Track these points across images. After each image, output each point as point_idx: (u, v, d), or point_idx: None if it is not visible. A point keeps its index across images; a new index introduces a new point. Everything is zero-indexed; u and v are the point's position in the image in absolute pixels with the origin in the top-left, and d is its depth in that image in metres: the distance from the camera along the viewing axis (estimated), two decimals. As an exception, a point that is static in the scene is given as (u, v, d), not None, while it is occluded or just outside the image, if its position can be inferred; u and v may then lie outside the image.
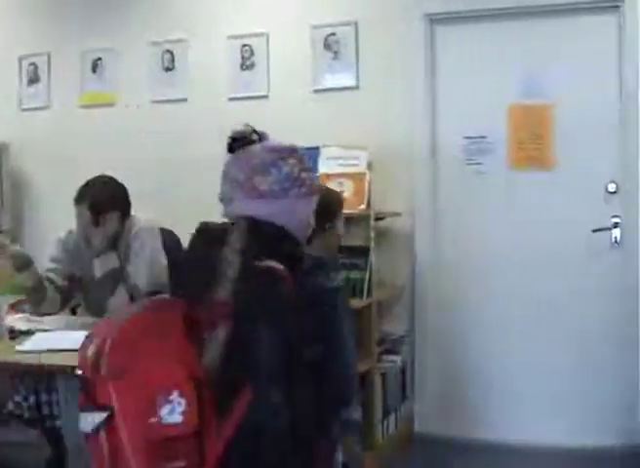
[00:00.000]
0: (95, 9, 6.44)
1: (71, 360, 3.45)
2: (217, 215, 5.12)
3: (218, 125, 5.93)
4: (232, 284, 2.28)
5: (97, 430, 2.15)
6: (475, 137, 5.59)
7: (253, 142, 2.63)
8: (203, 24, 6.16)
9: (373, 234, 5.13)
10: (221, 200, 2.60)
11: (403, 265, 5.61)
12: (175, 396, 2.14)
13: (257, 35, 6.00)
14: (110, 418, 2.14)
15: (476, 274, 5.63)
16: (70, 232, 4.51)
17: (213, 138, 5.94)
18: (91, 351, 2.19)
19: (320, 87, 5.87)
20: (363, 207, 5.09)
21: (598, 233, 5.38)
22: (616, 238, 5.39)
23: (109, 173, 4.47)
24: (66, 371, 3.41)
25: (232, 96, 6.07)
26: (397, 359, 5.49)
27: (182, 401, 2.14)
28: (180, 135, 6.19)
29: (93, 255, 4.37)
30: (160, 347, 2.21)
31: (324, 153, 5.35)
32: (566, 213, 5.44)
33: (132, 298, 4.27)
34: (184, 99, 6.22)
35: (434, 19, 5.68)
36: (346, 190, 5.11)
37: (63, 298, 4.45)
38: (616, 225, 5.39)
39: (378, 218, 5.27)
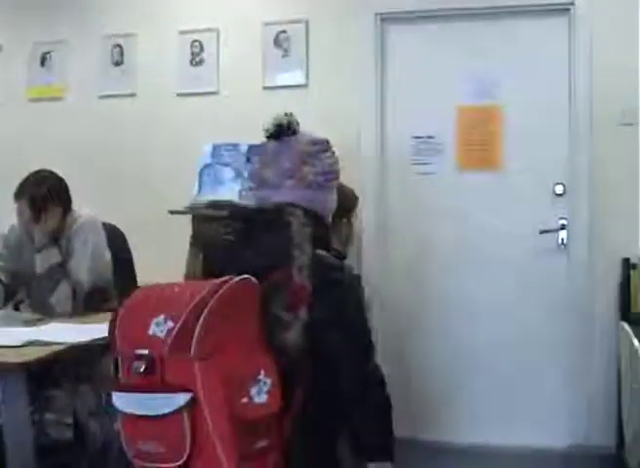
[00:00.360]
0: (46, 1, 6.35)
1: (12, 356, 3.42)
2: (164, 209, 5.14)
3: (166, 120, 5.98)
4: (307, 270, 2.38)
5: (177, 411, 2.16)
6: (423, 138, 5.58)
7: (295, 132, 2.73)
8: (153, 19, 6.09)
9: (319, 233, 5.09)
10: (258, 184, 2.67)
11: (351, 265, 5.56)
12: (262, 376, 2.23)
13: (207, 31, 5.95)
14: (193, 398, 2.16)
15: (423, 274, 5.62)
16: (13, 227, 4.46)
17: (161, 134, 5.98)
18: (162, 330, 2.20)
19: (270, 84, 5.83)
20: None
21: (545, 235, 5.39)
22: (562, 240, 5.40)
23: (55, 167, 4.42)
24: (7, 368, 3.37)
25: (181, 91, 6.01)
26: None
27: (268, 380, 2.23)
28: (128, 129, 6.14)
29: (34, 251, 4.32)
30: (242, 328, 2.27)
31: (271, 151, 5.31)
32: (513, 214, 5.45)
33: (74, 294, 4.23)
34: (133, 94, 6.16)
35: (385, 19, 5.66)
36: (292, 189, 5.08)
37: (7, 294, 4.41)
38: (562, 227, 5.41)
39: (323, 217, 5.23)
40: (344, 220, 3.84)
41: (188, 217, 5.30)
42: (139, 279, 4.84)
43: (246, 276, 2.31)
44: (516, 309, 5.43)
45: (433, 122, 5.56)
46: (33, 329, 3.88)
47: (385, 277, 5.62)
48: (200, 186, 5.31)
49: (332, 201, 2.75)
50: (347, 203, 3.80)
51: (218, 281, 2.27)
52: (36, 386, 3.63)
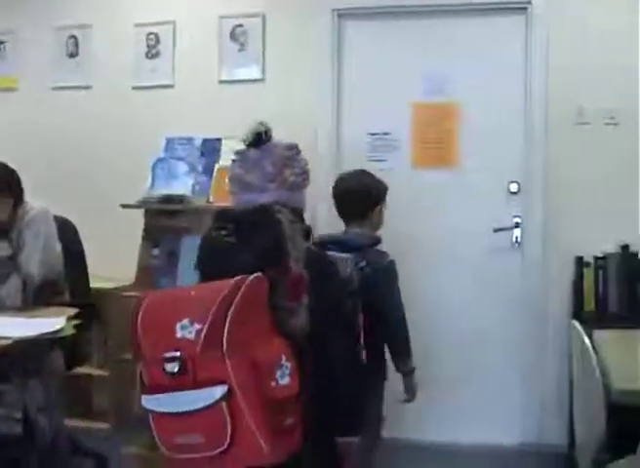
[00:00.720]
0: (-2, -9, 6.28)
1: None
2: (117, 202, 5.09)
3: (121, 113, 5.92)
4: (303, 262, 2.65)
5: (216, 402, 2.38)
6: (379, 134, 5.57)
7: (270, 138, 2.98)
8: (109, 10, 6.04)
9: (272, 229, 5.06)
10: (241, 188, 2.92)
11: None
12: (283, 360, 2.47)
13: (163, 23, 5.91)
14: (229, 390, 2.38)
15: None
16: (-37, 219, 4.40)
17: (116, 126, 5.93)
18: (191, 332, 2.41)
19: (225, 78, 5.80)
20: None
21: (499, 233, 5.41)
22: (516, 238, 5.42)
23: (8, 158, 4.36)
24: None
25: (137, 84, 5.97)
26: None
27: (288, 364, 2.48)
28: (82, 122, 6.08)
29: (-17, 243, 4.26)
30: (259, 320, 2.51)
31: (225, 145, 5.26)
32: (468, 212, 5.46)
33: (25, 287, 4.17)
34: (88, 87, 6.10)
35: (342, 14, 5.65)
36: (247, 183, 5.05)
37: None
38: (517, 225, 5.42)
39: (278, 213, 5.21)
40: (378, 208, 4.00)
41: (142, 211, 5.25)
42: (90, 272, 4.79)
43: (258, 274, 2.51)
44: (471, 307, 5.44)
45: (389, 119, 5.56)
46: (-19, 322, 3.82)
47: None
48: (153, 180, 5.26)
49: (305, 198, 3.01)
50: (378, 192, 4.01)
51: (232, 281, 2.46)
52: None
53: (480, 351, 5.44)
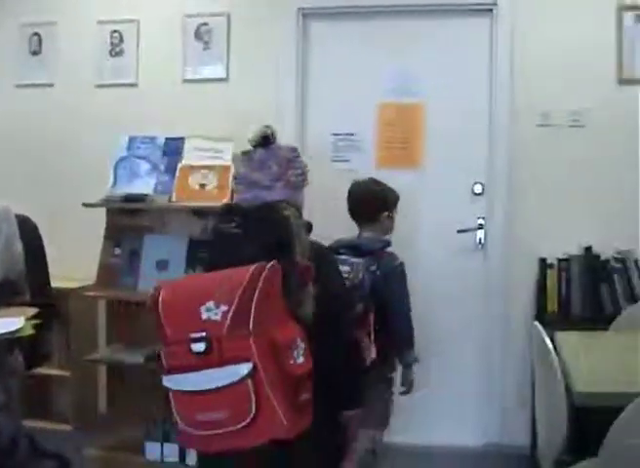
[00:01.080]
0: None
1: None
2: (80, 201, 5.03)
3: (84, 111, 5.88)
4: (308, 254, 2.90)
5: (242, 379, 2.56)
6: (343, 134, 5.56)
7: (275, 140, 3.19)
8: (73, 8, 5.99)
9: (236, 228, 5.04)
10: (247, 186, 3.11)
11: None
12: (298, 341, 2.68)
13: (127, 21, 5.86)
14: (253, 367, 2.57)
15: (342, 272, 5.59)
16: None
17: (79, 125, 5.88)
18: (217, 314, 2.61)
19: (189, 77, 5.77)
20: (226, 200, 4.98)
21: (463, 234, 5.41)
22: (480, 239, 5.43)
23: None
24: None
25: (100, 82, 5.92)
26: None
27: (302, 344, 2.69)
28: (45, 119, 6.02)
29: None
30: (276, 304, 2.70)
31: (189, 144, 5.23)
32: (432, 213, 5.47)
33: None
34: (51, 84, 6.04)
35: (307, 14, 5.64)
36: (209, 183, 5.01)
37: None
38: (480, 227, 5.43)
39: (241, 213, 5.19)
40: (386, 214, 4.26)
41: (104, 210, 5.21)
42: (52, 271, 4.74)
43: (274, 263, 2.70)
44: (434, 308, 5.41)
45: (354, 119, 5.56)
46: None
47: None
48: (115, 179, 5.22)
49: (304, 197, 3.22)
50: (387, 199, 4.29)
51: (251, 268, 2.66)
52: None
53: (442, 352, 5.43)
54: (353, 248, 4.02)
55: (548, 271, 5.20)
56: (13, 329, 3.68)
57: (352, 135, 5.54)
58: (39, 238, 4.68)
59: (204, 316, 2.61)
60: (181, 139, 5.24)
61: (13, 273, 4.22)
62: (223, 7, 5.70)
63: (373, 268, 3.94)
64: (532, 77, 5.34)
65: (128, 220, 5.28)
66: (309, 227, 3.07)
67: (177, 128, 5.38)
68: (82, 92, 5.95)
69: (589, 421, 3.16)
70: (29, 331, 3.77)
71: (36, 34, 6.07)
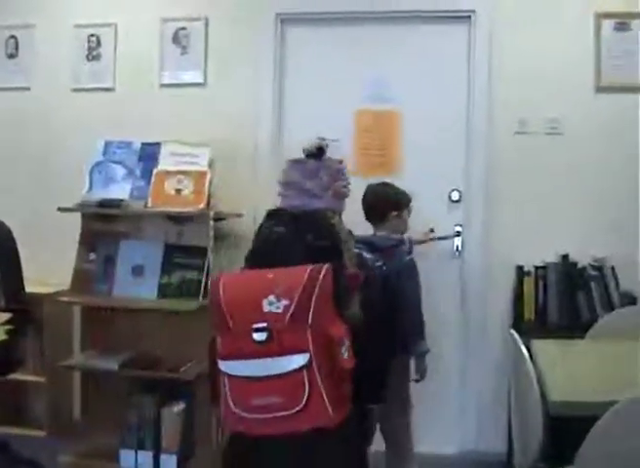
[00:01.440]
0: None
1: None
2: (55, 206, 5.00)
3: (60, 115, 5.84)
4: (354, 261, 3.31)
5: (298, 369, 2.86)
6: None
7: (326, 152, 3.49)
8: (50, 11, 5.95)
9: (212, 234, 5.00)
10: (297, 192, 3.40)
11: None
12: (344, 339, 2.93)
13: (104, 25, 5.83)
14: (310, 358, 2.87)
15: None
16: None
17: (55, 129, 5.85)
18: (279, 307, 2.88)
19: (167, 81, 5.75)
20: (202, 206, 4.95)
21: (440, 241, 5.40)
22: (457, 247, 5.42)
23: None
24: None
25: (77, 86, 5.88)
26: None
27: (347, 342, 2.94)
28: (21, 123, 5.99)
29: None
30: (329, 303, 2.94)
31: (165, 149, 5.20)
32: (409, 220, 5.42)
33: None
34: (28, 88, 6.00)
35: (285, 20, 5.63)
36: (186, 188, 4.99)
37: None
38: (458, 234, 5.42)
39: (218, 219, 5.15)
40: (394, 213, 4.54)
41: (79, 215, 5.18)
42: (26, 276, 4.71)
43: (328, 265, 2.97)
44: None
45: (331, 125, 5.47)
46: None
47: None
48: (91, 184, 5.19)
49: (345, 205, 3.54)
50: (395, 200, 4.59)
51: (309, 268, 2.95)
52: None
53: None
54: (368, 244, 4.26)
55: (525, 279, 5.19)
56: (-15, 334, 3.66)
57: (333, 140, 5.51)
58: (13, 242, 4.66)
59: (266, 308, 2.89)
60: (158, 145, 5.21)
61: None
62: (201, 11, 5.68)
63: (378, 264, 4.16)
64: (509, 84, 5.35)
65: (103, 226, 5.24)
66: (352, 235, 3.44)
67: (153, 133, 5.35)
68: (59, 96, 5.91)
69: (565, 430, 3.14)
70: (2, 337, 3.75)
71: (13, 37, 6.03)
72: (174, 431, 4.94)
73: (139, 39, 5.79)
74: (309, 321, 2.86)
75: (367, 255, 4.12)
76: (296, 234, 3.18)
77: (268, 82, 5.59)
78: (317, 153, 3.47)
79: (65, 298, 5.12)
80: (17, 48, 6.04)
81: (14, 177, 5.95)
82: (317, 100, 5.60)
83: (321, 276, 2.93)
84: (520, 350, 3.46)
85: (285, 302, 2.87)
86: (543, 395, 3.13)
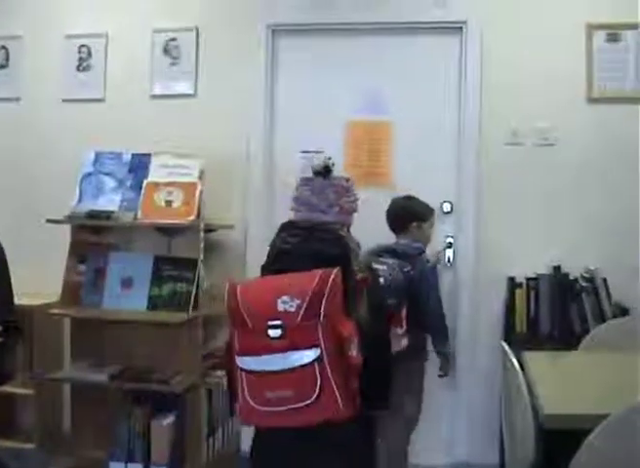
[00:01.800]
0: None
1: None
2: (43, 217, 4.98)
3: (50, 126, 5.83)
4: (363, 267, 3.47)
5: (310, 363, 3.05)
6: (312, 152, 5.51)
7: (332, 171, 3.68)
8: (40, 22, 5.93)
9: (202, 246, 4.99)
10: (307, 208, 3.61)
11: (236, 279, 5.45)
12: (353, 336, 3.13)
13: (95, 36, 5.82)
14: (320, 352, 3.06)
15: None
16: None
17: (45, 139, 5.83)
18: (292, 306, 3.08)
19: (157, 92, 5.74)
20: (193, 218, 4.94)
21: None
22: (449, 258, 5.41)
23: None
24: None
25: (67, 97, 5.86)
26: (224, 374, 5.33)
27: (356, 340, 3.14)
28: (11, 134, 5.98)
29: None
30: (339, 302, 3.15)
31: (155, 161, 5.19)
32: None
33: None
34: (18, 98, 5.99)
35: (276, 30, 5.62)
36: (176, 200, 4.98)
37: None
38: (449, 245, 5.41)
39: (208, 230, 5.14)
40: (415, 224, 4.77)
41: (69, 226, 5.16)
42: (16, 288, 4.67)
43: (337, 270, 3.17)
44: (402, 327, 5.40)
45: (322, 136, 5.51)
46: None
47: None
48: (80, 195, 5.17)
49: (353, 219, 3.72)
50: (416, 212, 4.82)
51: (320, 271, 3.14)
52: None
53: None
54: (391, 251, 4.57)
55: (517, 290, 5.18)
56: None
57: (321, 152, 5.49)
58: (2, 254, 4.62)
59: (280, 307, 3.09)
60: (148, 156, 5.21)
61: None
62: (192, 22, 5.67)
63: (407, 269, 4.46)
64: (501, 95, 5.34)
65: (93, 237, 5.23)
66: (359, 246, 3.59)
67: (143, 144, 5.34)
68: (49, 106, 5.90)
69: (557, 442, 3.12)
70: (-10, 350, 3.72)
71: (3, 48, 6.02)
72: (164, 443, 4.93)
73: (129, 50, 5.78)
74: (320, 318, 3.06)
75: (390, 261, 4.44)
76: (307, 244, 3.43)
77: (260, 93, 5.57)
78: (324, 172, 3.66)
79: (55, 310, 5.11)
80: (7, 58, 6.02)
81: (2, 188, 5.93)
82: (309, 111, 5.59)
83: (331, 279, 3.13)
84: (511, 362, 3.45)
85: (297, 302, 3.08)
86: (535, 407, 3.11)
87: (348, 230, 3.63)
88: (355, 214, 3.73)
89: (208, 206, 5.14)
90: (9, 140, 5.96)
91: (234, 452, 5.46)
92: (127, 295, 5.05)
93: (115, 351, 5.13)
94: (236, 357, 3.22)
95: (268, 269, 3.52)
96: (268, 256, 3.57)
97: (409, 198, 4.86)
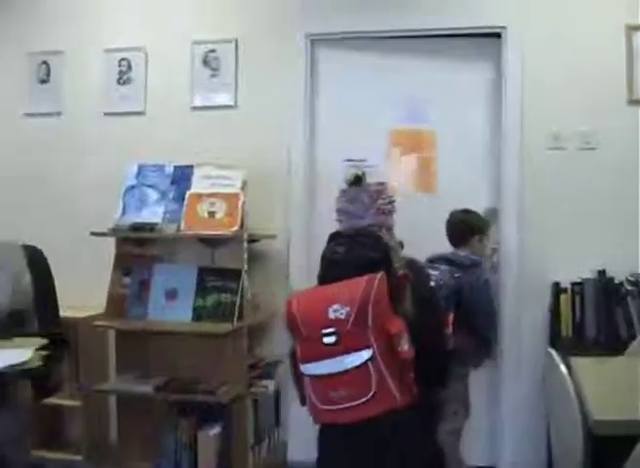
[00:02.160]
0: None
1: None
2: (87, 230, 5.01)
3: (92, 140, 5.86)
4: (404, 263, 3.58)
5: (364, 363, 3.28)
6: (355, 160, 5.49)
7: (365, 179, 3.86)
8: (81, 36, 5.97)
9: (246, 256, 5.01)
10: (346, 217, 3.81)
11: (278, 288, 5.47)
12: (403, 333, 3.31)
13: (135, 49, 5.85)
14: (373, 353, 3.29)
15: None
16: None
17: (87, 153, 5.87)
18: (342, 313, 3.31)
19: (198, 104, 5.74)
20: (236, 228, 4.95)
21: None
22: (492, 264, 5.37)
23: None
24: None
25: (108, 111, 5.90)
26: (270, 384, 5.34)
27: (406, 335, 3.31)
28: (53, 148, 6.01)
29: (-50, 273, 4.19)
30: (385, 303, 3.34)
31: (198, 172, 5.22)
32: (445, 238, 5.39)
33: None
34: (59, 113, 6.03)
35: (315, 40, 5.61)
36: (219, 211, 5.00)
37: None
38: (494, 251, 5.38)
39: (252, 240, 5.15)
40: (476, 237, 4.89)
41: (113, 239, 5.20)
42: (61, 301, 4.70)
43: (380, 273, 3.39)
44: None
45: (365, 145, 5.49)
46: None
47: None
48: (124, 208, 5.21)
49: (394, 220, 3.84)
50: (475, 226, 4.92)
51: (365, 278, 3.37)
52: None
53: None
54: (446, 259, 4.70)
55: (562, 295, 5.15)
56: (21, 360, 3.66)
57: (364, 161, 5.48)
58: (47, 268, 4.65)
59: (331, 316, 3.32)
60: (190, 167, 5.24)
61: (21, 304, 4.20)
62: (231, 34, 5.67)
63: (457, 275, 4.59)
64: (541, 100, 5.31)
65: (137, 249, 5.27)
66: (401, 244, 3.75)
67: (185, 156, 5.38)
68: (90, 120, 5.94)
69: (606, 448, 3.10)
70: (37, 363, 3.75)
71: (44, 63, 6.06)
72: (210, 454, 4.95)
73: (169, 62, 5.80)
74: (369, 322, 3.28)
75: (442, 267, 4.62)
76: (351, 251, 3.63)
77: (300, 103, 5.55)
78: (356, 181, 3.84)
79: (100, 323, 5.14)
80: (48, 73, 6.07)
81: (46, 202, 5.97)
82: (350, 120, 5.56)
83: (375, 284, 3.35)
84: (558, 368, 3.43)
85: (347, 309, 3.32)
86: (584, 413, 3.09)
87: (389, 230, 3.78)
88: (394, 216, 3.85)
89: (249, 216, 5.16)
90: (52, 155, 5.99)
91: (281, 463, 5.47)
92: (171, 307, 5.08)
93: (160, 362, 5.16)
94: (300, 365, 3.48)
95: (321, 279, 3.71)
96: (320, 268, 3.76)
97: (467, 212, 4.96)
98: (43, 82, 6.09)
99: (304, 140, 5.57)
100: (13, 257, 4.27)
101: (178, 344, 5.13)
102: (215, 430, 4.97)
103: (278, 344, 5.45)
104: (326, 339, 3.35)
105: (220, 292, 5.01)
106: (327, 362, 3.38)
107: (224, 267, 5.10)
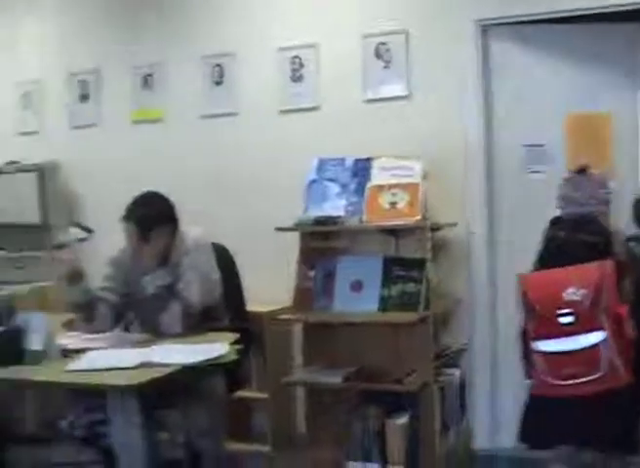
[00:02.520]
0: (144, 24, 6.43)
1: (126, 378, 3.44)
2: (271, 225, 5.11)
3: (269, 137, 5.96)
4: (623, 251, 3.91)
5: (598, 343, 3.67)
6: (533, 146, 5.45)
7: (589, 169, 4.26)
8: (252, 37, 6.10)
9: (429, 245, 5.02)
10: (566, 203, 4.16)
11: (461, 276, 5.48)
12: (628, 317, 3.67)
13: (306, 46, 5.93)
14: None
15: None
16: (123, 249, 4.48)
17: (264, 151, 5.97)
18: (578, 295, 3.68)
19: (371, 97, 5.76)
20: (418, 218, 4.97)
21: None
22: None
23: (161, 187, 4.44)
24: (121, 390, 3.45)
25: (283, 108, 6.01)
26: (456, 372, 5.36)
27: (630, 319, 3.67)
28: (230, 148, 6.16)
29: (144, 272, 4.33)
30: (615, 288, 3.69)
31: (376, 164, 5.28)
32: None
33: (184, 314, 4.22)
34: (235, 113, 6.18)
35: (487, 25, 5.52)
36: (400, 201, 5.03)
37: (116, 316, 4.42)
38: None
39: (433, 229, 5.16)
40: None
41: (297, 233, 5.32)
42: (247, 296, 4.84)
43: (610, 261, 3.75)
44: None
45: (542, 130, 5.44)
46: (145, 350, 3.90)
47: (496, 286, 5.52)
48: (307, 202, 5.30)
49: (610, 210, 4.17)
50: None
51: (597, 264, 3.73)
52: (149, 406, 3.62)
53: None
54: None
55: None
56: (218, 354, 3.77)
57: (542, 146, 5.43)
58: (233, 264, 4.80)
59: (567, 297, 3.67)
60: (369, 160, 5.28)
61: (211, 300, 4.35)
62: (401, 25, 5.66)
63: None
64: None
65: (321, 243, 5.35)
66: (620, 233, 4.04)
67: (361, 148, 5.42)
68: (266, 119, 6.06)
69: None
70: (233, 357, 3.86)
71: (218, 65, 6.21)
72: (399, 442, 4.98)
73: (340, 57, 5.84)
74: (602, 305, 3.62)
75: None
76: (574, 236, 3.93)
77: (474, 89, 5.50)
78: (581, 171, 4.19)
79: (287, 316, 5.23)
80: (222, 75, 6.22)
81: (230, 200, 6.12)
82: (526, 106, 5.49)
83: (607, 270, 3.67)
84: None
85: (583, 292, 3.63)
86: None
87: (607, 218, 4.09)
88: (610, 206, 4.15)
89: (430, 204, 5.19)
90: (231, 154, 6.15)
91: (467, 449, 5.46)
92: (357, 298, 5.14)
93: (346, 353, 5.22)
94: (530, 342, 3.82)
95: (544, 262, 4.04)
96: (542, 250, 4.08)
97: None
98: (217, 84, 6.25)
99: (480, 127, 5.51)
100: (202, 256, 4.40)
101: (364, 334, 5.19)
102: (403, 418, 5.01)
103: (463, 332, 5.46)
104: (562, 319, 3.68)
105: (405, 282, 5.05)
106: (562, 340, 3.70)
107: (408, 257, 5.15)
